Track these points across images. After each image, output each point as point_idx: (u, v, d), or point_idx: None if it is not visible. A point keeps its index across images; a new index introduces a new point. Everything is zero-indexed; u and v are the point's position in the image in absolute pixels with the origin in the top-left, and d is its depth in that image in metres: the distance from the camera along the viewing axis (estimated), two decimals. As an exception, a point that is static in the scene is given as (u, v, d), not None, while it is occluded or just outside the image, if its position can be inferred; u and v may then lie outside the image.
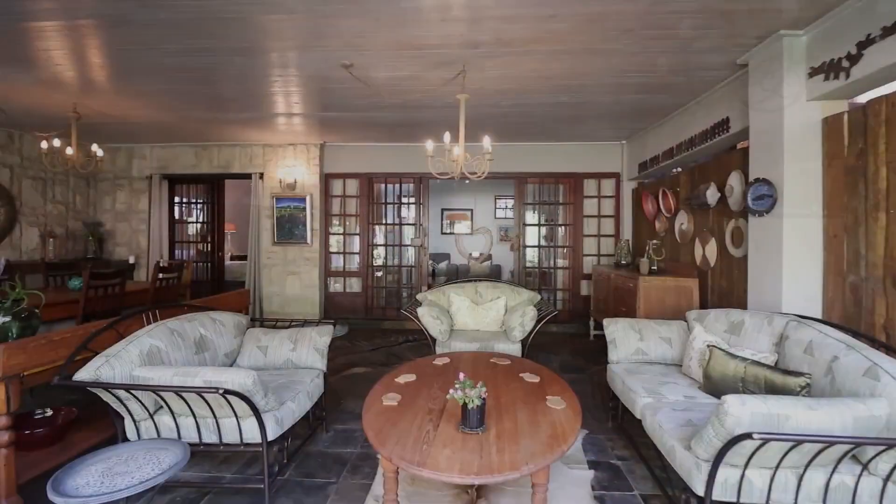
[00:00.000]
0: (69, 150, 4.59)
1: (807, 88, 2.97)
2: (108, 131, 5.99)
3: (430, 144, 3.35)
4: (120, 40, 3.14)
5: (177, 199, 7.53)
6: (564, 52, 3.30)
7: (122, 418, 2.30)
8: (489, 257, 10.36)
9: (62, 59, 3.50)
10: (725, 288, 3.98)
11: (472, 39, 3.09)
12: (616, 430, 3.16)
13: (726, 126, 3.93)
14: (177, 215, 7.56)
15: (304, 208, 6.63)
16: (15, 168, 6.05)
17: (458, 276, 10.31)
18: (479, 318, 4.31)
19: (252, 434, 2.29)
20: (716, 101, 4.10)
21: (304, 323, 3.42)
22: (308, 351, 3.06)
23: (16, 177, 6.07)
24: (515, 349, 3.80)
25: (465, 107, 3.37)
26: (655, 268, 4.64)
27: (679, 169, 5.35)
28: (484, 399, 1.89)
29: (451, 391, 1.93)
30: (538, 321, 3.94)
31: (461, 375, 1.95)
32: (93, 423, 2.64)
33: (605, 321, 3.31)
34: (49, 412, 2.55)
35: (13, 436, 2.02)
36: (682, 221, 4.73)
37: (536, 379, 2.62)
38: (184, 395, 2.13)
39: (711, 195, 4.04)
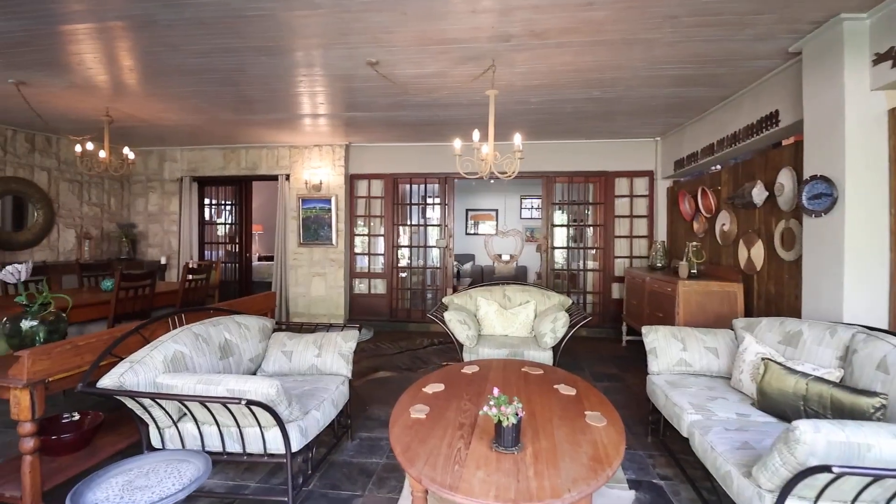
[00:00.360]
0: (102, 154, 4.67)
1: (871, 77, 2.71)
2: (139, 134, 6.10)
3: (457, 143, 3.23)
4: (147, 42, 3.14)
5: (206, 201, 7.64)
6: (600, 43, 3.11)
7: (147, 425, 2.27)
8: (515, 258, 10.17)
9: (93, 62, 3.53)
10: (774, 294, 3.71)
11: (502, 32, 2.94)
12: (657, 446, 2.96)
13: (775, 120, 3.65)
14: (206, 217, 7.68)
15: (330, 209, 6.61)
16: (52, 171, 6.23)
17: (483, 277, 10.16)
18: (508, 324, 4.16)
19: (276, 445, 2.22)
20: (763, 92, 3.83)
21: (330, 327, 3.35)
22: (333, 357, 2.98)
23: (53, 180, 6.25)
24: (546, 356, 3.63)
25: (494, 103, 3.22)
26: (695, 271, 4.38)
27: (719, 166, 5.07)
28: (520, 417, 1.75)
29: (484, 408, 1.79)
30: (570, 327, 3.76)
31: (495, 391, 1.81)
32: (119, 427, 2.62)
33: (644, 329, 3.11)
34: (76, 416, 2.54)
35: (38, 442, 1.99)
36: (724, 222, 4.46)
37: (572, 391, 2.45)
38: (207, 403, 2.06)
39: (758, 194, 3.78)
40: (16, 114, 4.87)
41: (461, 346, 3.87)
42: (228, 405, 2.03)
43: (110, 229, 7.07)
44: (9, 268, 2.22)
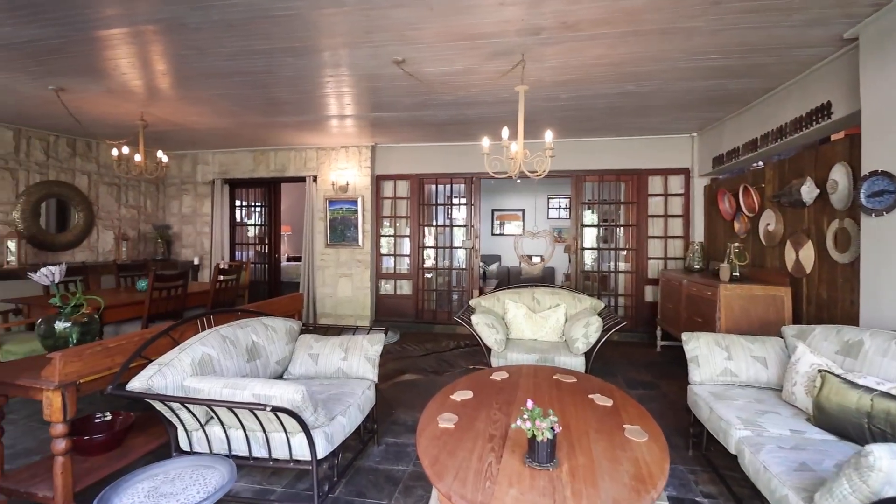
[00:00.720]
0: (137, 157, 4.79)
1: (942, 62, 2.47)
2: (174, 138, 6.25)
3: (486, 141, 3.13)
4: (177, 45, 3.17)
5: (237, 203, 7.78)
6: (636, 33, 2.96)
7: (175, 427, 2.27)
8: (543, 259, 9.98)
9: (127, 67, 3.60)
10: (826, 299, 3.46)
11: (532, 25, 2.83)
12: (699, 461, 2.78)
13: (827, 112, 3.40)
14: (237, 218, 7.83)
15: (356, 210, 6.62)
16: (92, 175, 6.46)
17: (509, 278, 10.01)
18: (537, 328, 4.03)
19: (301, 451, 2.18)
20: (813, 83, 3.57)
21: (356, 330, 3.31)
22: (359, 360, 2.93)
23: (93, 183, 6.48)
24: (578, 363, 3.49)
25: (524, 99, 3.11)
26: (737, 274, 4.14)
27: (761, 163, 4.79)
28: (556, 432, 1.64)
29: (517, 421, 1.69)
30: (603, 332, 3.60)
31: (529, 403, 1.71)
32: (149, 428, 2.64)
33: (685, 336, 2.93)
34: (108, 416, 2.57)
35: (70, 443, 2.01)
36: (769, 222, 4.20)
37: (609, 402, 2.32)
38: (233, 408, 2.04)
39: (808, 192, 3.53)
40: (57, 120, 5.05)
41: (489, 350, 3.77)
42: (254, 410, 2.00)
43: (146, 230, 7.29)
44: (43, 270, 2.26)
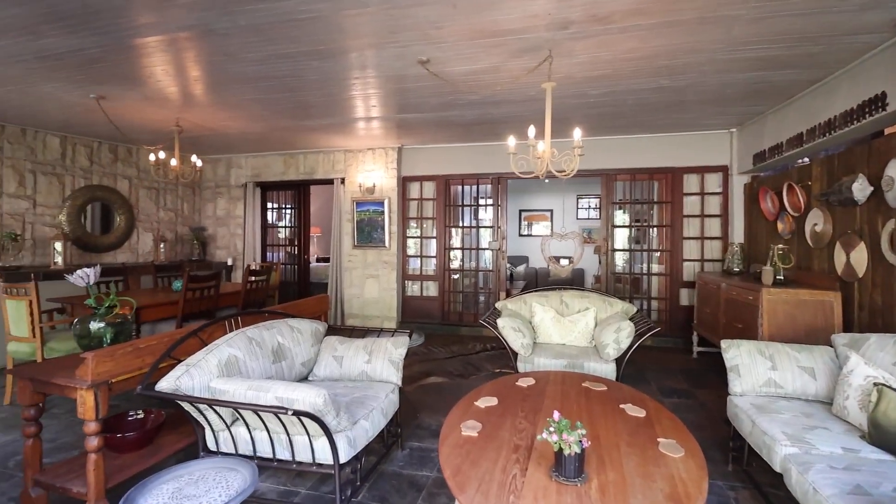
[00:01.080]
0: (173, 162, 4.95)
1: None
2: (208, 143, 6.45)
3: (511, 141, 3.06)
4: (207, 52, 3.24)
5: (268, 205, 7.96)
6: (671, 24, 2.81)
7: (203, 427, 2.30)
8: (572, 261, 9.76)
9: (162, 75, 3.71)
10: (881, 304, 3.20)
11: (560, 18, 2.73)
12: (739, 477, 2.62)
13: (881, 103, 3.15)
14: (269, 220, 8.01)
15: (382, 212, 6.64)
16: (133, 179, 6.74)
17: (537, 280, 9.84)
18: (566, 332, 3.91)
19: (324, 454, 2.16)
20: (866, 72, 3.32)
21: (380, 332, 3.29)
22: (383, 364, 2.91)
23: (133, 187, 6.76)
24: (608, 370, 3.36)
25: (551, 97, 3.02)
26: (781, 277, 3.90)
27: (807, 159, 4.51)
28: (584, 447, 1.55)
29: (543, 433, 1.61)
30: (636, 338, 3.46)
31: (556, 414, 1.63)
32: (180, 426, 2.70)
33: (725, 344, 2.76)
34: (141, 414, 2.64)
35: (102, 441, 2.06)
36: (816, 221, 3.94)
37: (641, 413, 2.20)
38: (256, 411, 2.04)
39: (860, 189, 3.28)
40: (99, 127, 5.28)
41: (515, 354, 3.68)
42: (274, 413, 2.00)
43: (183, 232, 7.55)
44: (79, 272, 2.34)
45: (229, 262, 7.66)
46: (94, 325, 2.35)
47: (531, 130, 2.96)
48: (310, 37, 2.97)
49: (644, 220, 6.44)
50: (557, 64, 3.34)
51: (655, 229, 6.32)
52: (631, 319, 3.76)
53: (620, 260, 6.46)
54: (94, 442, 2.03)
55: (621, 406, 2.30)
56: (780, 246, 4.10)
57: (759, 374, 2.59)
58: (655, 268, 6.23)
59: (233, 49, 3.18)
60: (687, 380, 4.41)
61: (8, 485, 2.54)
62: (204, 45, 3.12)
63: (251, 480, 1.73)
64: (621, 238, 6.50)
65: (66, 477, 2.18)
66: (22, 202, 5.45)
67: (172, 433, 2.63)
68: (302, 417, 2.01)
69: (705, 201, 5.84)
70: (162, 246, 7.00)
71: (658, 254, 6.22)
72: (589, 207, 10.74)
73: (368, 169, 6.78)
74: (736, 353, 2.68)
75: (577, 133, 2.94)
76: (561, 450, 1.56)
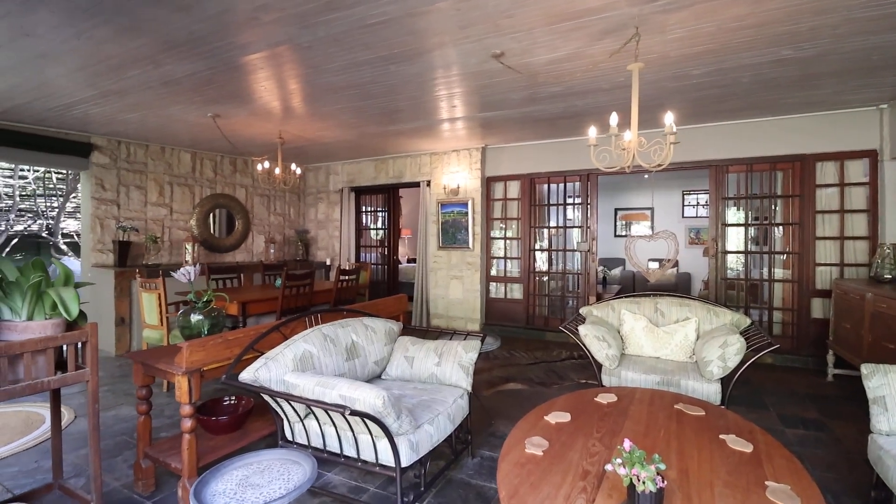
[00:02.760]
0: (277, 171, 5.43)
1: None
2: (308, 152, 6.99)
3: (592, 131, 2.80)
4: (297, 65, 3.46)
5: (362, 209, 8.43)
6: (791, -17, 2.36)
7: (281, 418, 2.43)
8: (675, 264, 8.83)
9: (263, 91, 4.07)
10: None
11: (647, -8, 2.43)
12: (886, 536, 2.09)
13: None
14: (363, 222, 8.48)
15: (466, 213, 6.62)
16: (248, 188, 7.57)
17: (634, 285, 9.09)
18: (660, 344, 3.50)
19: (386, 456, 2.16)
20: None
21: (453, 335, 3.23)
22: (452, 367, 2.84)
23: (249, 195, 7.60)
24: (711, 391, 2.92)
25: (638, 79, 2.70)
26: (955, 287, 3.07)
27: None
28: (660, 487, 1.32)
29: (610, 464, 1.41)
30: (749, 354, 2.96)
31: (627, 443, 1.41)
32: (266, 414, 2.90)
33: (866, 369, 2.23)
34: (234, 400, 2.89)
35: (195, 423, 2.28)
36: None
37: (748, 447, 1.84)
38: (317, 408, 2.10)
39: None
40: (219, 142, 5.99)
41: (599, 365, 3.38)
42: (336, 412, 2.03)
43: (290, 235, 8.32)
44: (182, 269, 2.63)
45: (328, 262, 8.24)
46: (194, 318, 2.62)
47: (613, 118, 2.68)
48: (383, 41, 3.02)
49: (765, 218, 5.57)
50: (647, 42, 3.00)
51: (780, 228, 5.43)
52: (743, 333, 3.24)
53: (734, 263, 5.67)
54: (188, 423, 2.25)
55: (721, 436, 1.96)
56: (955, 247, 3.24)
57: (916, 409, 2.04)
58: (779, 273, 5.35)
59: (317, 61, 3.36)
60: (818, 408, 3.70)
61: (131, 453, 2.96)
62: (293, 58, 3.34)
63: (310, 475, 1.76)
64: (735, 238, 5.71)
65: (168, 452, 2.45)
66: (161, 209, 6.39)
67: (259, 419, 2.84)
68: (364, 418, 2.02)
69: (846, 193, 4.87)
70: (272, 247, 7.76)
71: (783, 257, 5.34)
72: (697, 205, 9.67)
73: (453, 170, 6.80)
74: (881, 382, 2.14)
75: (669, 117, 2.59)
76: (633, 485, 1.35)
